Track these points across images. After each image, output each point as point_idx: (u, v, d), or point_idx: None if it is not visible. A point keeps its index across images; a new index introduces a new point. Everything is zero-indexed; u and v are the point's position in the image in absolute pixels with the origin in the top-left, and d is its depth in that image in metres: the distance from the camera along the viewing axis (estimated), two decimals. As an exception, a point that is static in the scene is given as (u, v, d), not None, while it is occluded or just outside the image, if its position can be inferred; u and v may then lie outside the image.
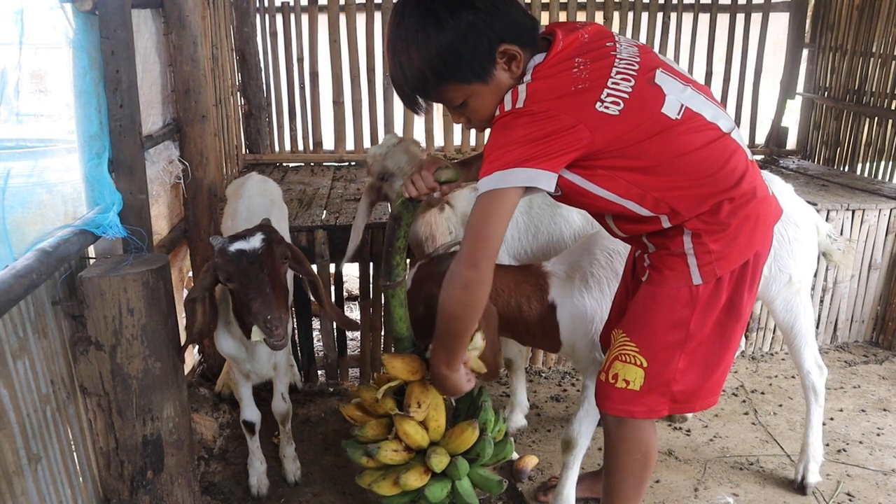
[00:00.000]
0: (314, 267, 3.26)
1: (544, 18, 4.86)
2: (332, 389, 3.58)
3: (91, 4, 2.16)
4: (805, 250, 2.68)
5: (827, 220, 3.79)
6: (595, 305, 2.38)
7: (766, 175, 2.78)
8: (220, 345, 2.51)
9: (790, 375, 3.73)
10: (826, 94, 5.17)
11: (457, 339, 1.84)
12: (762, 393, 3.57)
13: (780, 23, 5.31)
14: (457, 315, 1.76)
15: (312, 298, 2.59)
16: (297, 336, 3.57)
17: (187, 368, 3.28)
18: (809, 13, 5.26)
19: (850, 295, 4.06)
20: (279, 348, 2.14)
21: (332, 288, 3.49)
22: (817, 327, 4.03)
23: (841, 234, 3.83)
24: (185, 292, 3.31)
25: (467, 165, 2.04)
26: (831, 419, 3.30)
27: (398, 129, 4.88)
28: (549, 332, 2.45)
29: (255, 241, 2.15)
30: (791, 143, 5.46)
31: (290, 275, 2.43)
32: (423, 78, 1.69)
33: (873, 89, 4.70)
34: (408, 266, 2.33)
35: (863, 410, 3.42)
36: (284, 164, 4.86)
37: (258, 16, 4.69)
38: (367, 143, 4.88)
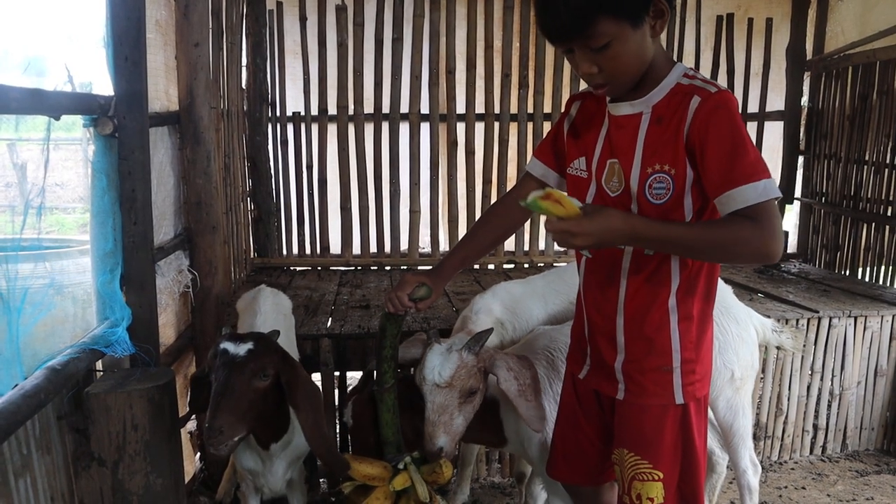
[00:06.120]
0: (318, 375, 3.28)
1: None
2: (333, 500, 3.52)
3: (112, 128, 2.28)
4: (746, 348, 2.68)
5: (829, 327, 3.81)
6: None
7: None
8: (237, 458, 2.48)
9: (800, 486, 3.65)
10: (823, 199, 5.27)
11: (684, 247, 1.64)
12: (772, 505, 3.50)
13: (775, 131, 5.47)
14: (727, 247, 1.58)
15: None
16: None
17: (188, 476, 3.24)
18: (803, 122, 5.44)
19: (858, 402, 4.02)
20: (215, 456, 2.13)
21: (336, 392, 3.48)
22: (826, 434, 3.99)
23: (844, 342, 3.85)
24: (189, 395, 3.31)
25: (439, 272, 2.10)
26: (845, 534, 3.22)
27: (404, 235, 5.00)
28: (493, 429, 2.46)
29: (241, 349, 2.09)
30: (791, 246, 5.54)
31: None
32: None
33: (869, 195, 4.79)
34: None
35: (877, 524, 3.34)
36: (292, 268, 4.94)
37: (270, 125, 4.88)
38: (373, 248, 4.99)
